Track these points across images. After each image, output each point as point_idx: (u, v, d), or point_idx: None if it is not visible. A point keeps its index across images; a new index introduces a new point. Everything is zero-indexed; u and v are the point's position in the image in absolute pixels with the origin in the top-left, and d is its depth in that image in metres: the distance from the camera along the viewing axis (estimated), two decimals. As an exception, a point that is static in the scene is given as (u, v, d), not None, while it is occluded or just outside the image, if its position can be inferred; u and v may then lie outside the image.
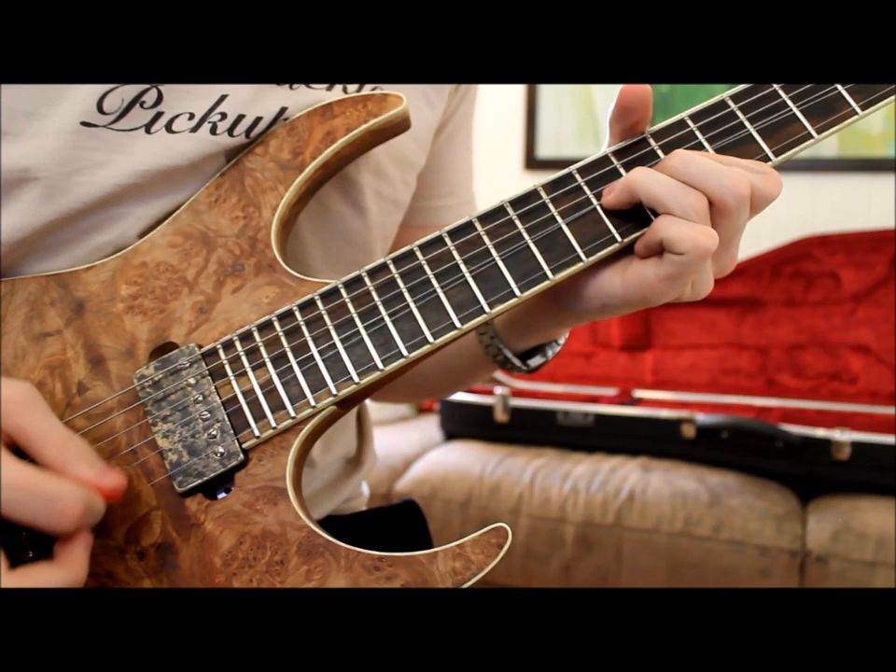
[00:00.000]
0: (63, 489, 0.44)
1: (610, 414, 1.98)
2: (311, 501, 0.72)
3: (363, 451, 0.82)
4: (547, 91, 2.67)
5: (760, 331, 2.12)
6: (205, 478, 0.51)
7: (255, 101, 0.58)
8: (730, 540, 1.66)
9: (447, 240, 0.54)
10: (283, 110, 0.59)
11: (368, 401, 0.84)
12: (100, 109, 0.54)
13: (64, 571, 0.45)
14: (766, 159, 0.54)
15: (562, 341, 0.69)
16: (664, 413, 1.92)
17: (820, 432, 1.79)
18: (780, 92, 0.55)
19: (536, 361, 0.69)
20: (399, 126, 0.60)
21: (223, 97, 0.57)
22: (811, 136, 0.54)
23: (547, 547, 1.77)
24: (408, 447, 2.06)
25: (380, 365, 0.53)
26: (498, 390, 2.04)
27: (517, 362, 0.68)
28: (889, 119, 2.31)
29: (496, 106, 2.66)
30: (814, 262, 2.09)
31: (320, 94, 0.61)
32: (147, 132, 0.56)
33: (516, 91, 2.71)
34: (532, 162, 2.71)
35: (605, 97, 2.59)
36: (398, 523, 0.82)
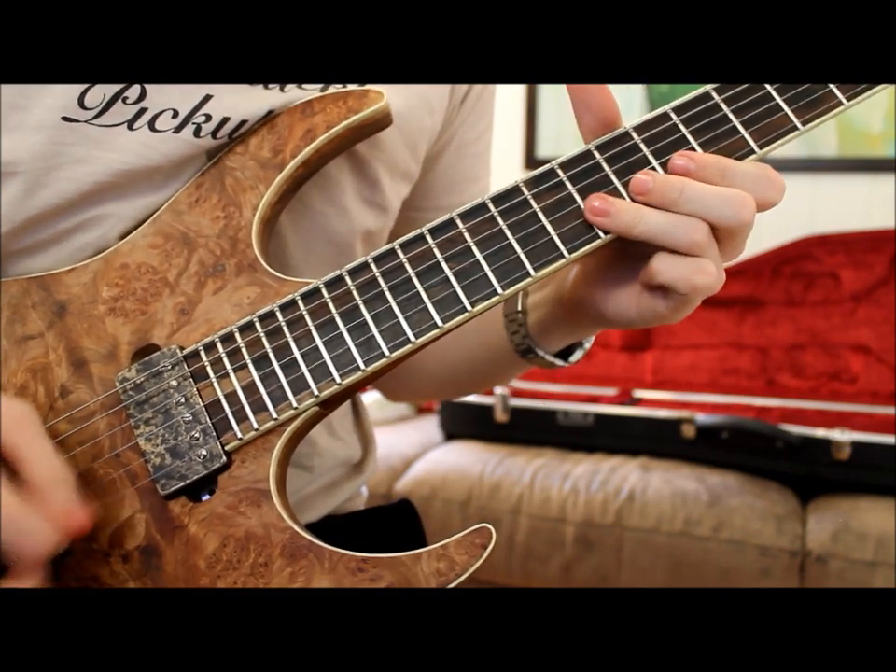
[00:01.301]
0: (38, 527, 0.45)
1: (610, 414, 1.96)
2: (306, 503, 0.72)
3: (366, 459, 0.81)
4: (547, 91, 2.67)
5: (760, 331, 2.11)
6: (188, 480, 0.51)
7: (240, 103, 0.57)
8: (730, 540, 1.65)
9: (428, 237, 0.54)
10: (269, 113, 0.58)
11: (367, 402, 0.84)
12: (81, 104, 0.54)
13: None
14: (751, 151, 0.53)
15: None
16: (663, 413, 1.91)
17: (820, 432, 1.78)
18: (765, 84, 0.54)
19: (576, 356, 0.69)
20: (381, 122, 0.59)
21: (208, 97, 0.56)
22: (797, 128, 0.53)
23: (547, 547, 1.76)
24: (408, 447, 2.05)
25: (362, 365, 0.52)
26: (498, 390, 2.03)
27: (556, 360, 0.68)
28: (888, 118, 2.29)
29: (496, 106, 2.65)
30: (814, 262, 2.08)
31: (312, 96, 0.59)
32: (130, 128, 0.55)
33: (516, 91, 2.70)
34: (532, 162, 2.70)
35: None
36: (393, 523, 0.82)
